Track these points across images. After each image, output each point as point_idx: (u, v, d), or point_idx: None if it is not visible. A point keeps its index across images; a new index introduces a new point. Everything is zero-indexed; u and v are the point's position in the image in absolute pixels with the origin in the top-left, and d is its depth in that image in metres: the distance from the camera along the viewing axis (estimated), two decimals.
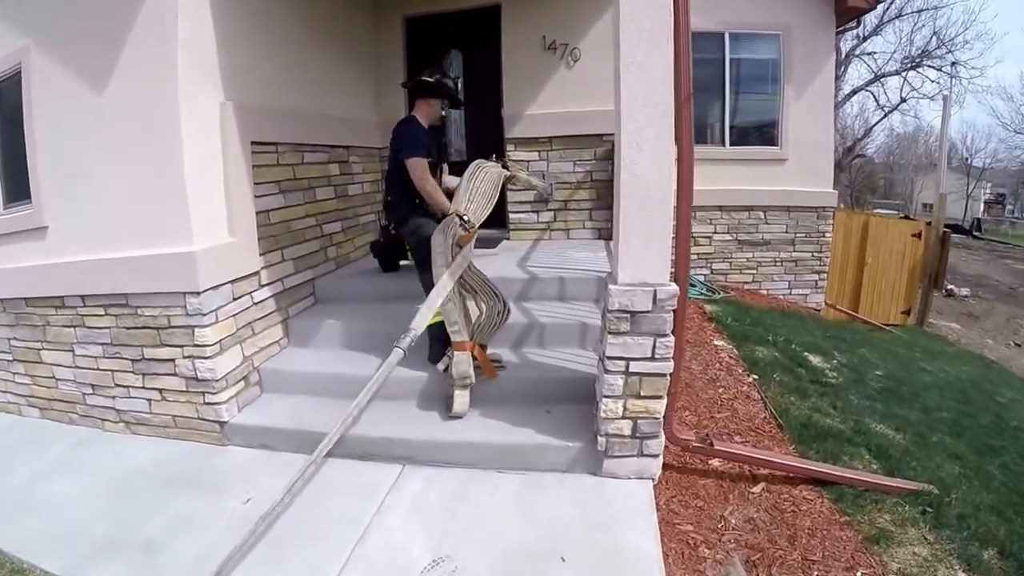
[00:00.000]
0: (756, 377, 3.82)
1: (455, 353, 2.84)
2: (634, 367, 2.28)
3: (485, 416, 2.81)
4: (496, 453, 2.59)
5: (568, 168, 5.05)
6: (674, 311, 2.22)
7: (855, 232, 7.84)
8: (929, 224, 8.36)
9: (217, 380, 2.93)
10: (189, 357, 2.91)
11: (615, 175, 2.35)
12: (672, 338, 2.23)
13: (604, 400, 2.32)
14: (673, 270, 2.30)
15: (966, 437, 3.57)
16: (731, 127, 7.12)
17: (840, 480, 2.60)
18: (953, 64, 17.43)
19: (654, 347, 2.24)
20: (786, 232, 6.78)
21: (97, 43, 2.73)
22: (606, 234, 5.06)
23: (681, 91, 2.14)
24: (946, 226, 8.93)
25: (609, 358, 2.28)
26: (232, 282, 2.99)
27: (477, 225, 3.07)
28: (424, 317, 2.78)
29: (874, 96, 20.57)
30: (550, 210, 5.14)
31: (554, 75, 4.94)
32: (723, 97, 7.24)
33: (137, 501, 2.60)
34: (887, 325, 7.69)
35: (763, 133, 6.90)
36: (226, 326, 2.97)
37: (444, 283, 2.79)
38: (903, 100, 19.95)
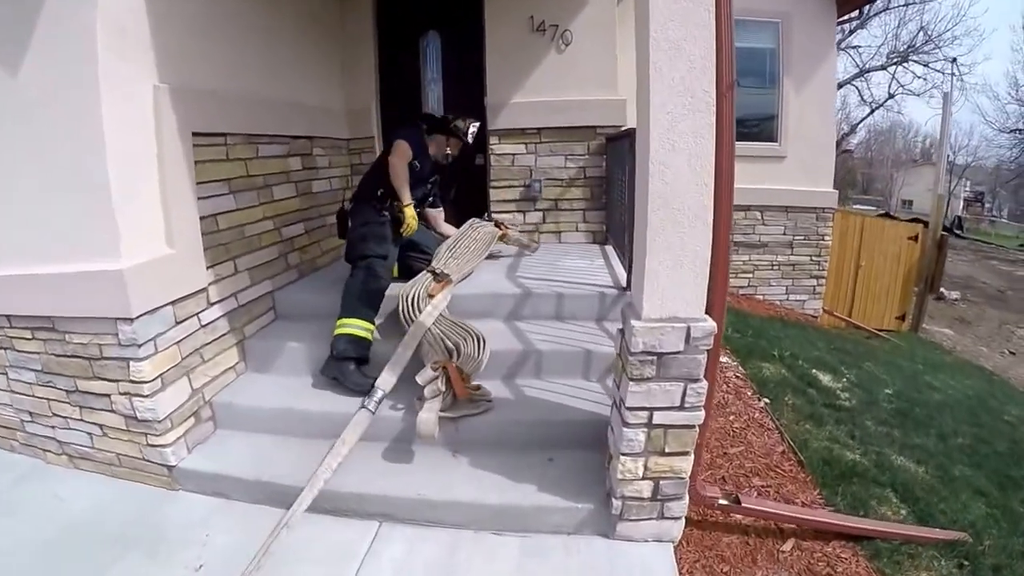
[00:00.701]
0: (767, 401, 3.63)
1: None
2: (659, 418, 2.00)
3: (477, 466, 2.50)
4: (491, 514, 2.29)
5: (559, 163, 4.74)
6: (708, 351, 1.94)
7: (852, 234, 7.74)
8: (926, 226, 8.32)
9: (159, 421, 2.56)
10: (126, 394, 2.54)
11: (637, 183, 2.06)
12: (705, 383, 1.95)
13: (621, 459, 2.03)
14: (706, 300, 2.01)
15: (986, 468, 3.50)
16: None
17: (875, 534, 2.42)
18: (953, 61, 17.64)
19: (684, 394, 1.97)
20: (784, 234, 6.67)
21: (6, 13, 2.31)
22: (601, 237, 4.80)
23: (723, 78, 1.83)
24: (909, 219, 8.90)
25: (630, 408, 1.99)
26: (174, 303, 2.62)
27: (454, 278, 3.19)
28: (391, 376, 2.69)
29: (858, 91, 20.77)
30: (538, 210, 4.84)
31: (543, 60, 4.61)
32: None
33: (73, 567, 2.24)
34: (882, 331, 7.65)
35: (761, 128, 6.76)
36: (168, 356, 2.60)
37: (407, 342, 2.77)
38: (891, 96, 20.20)
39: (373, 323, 3.05)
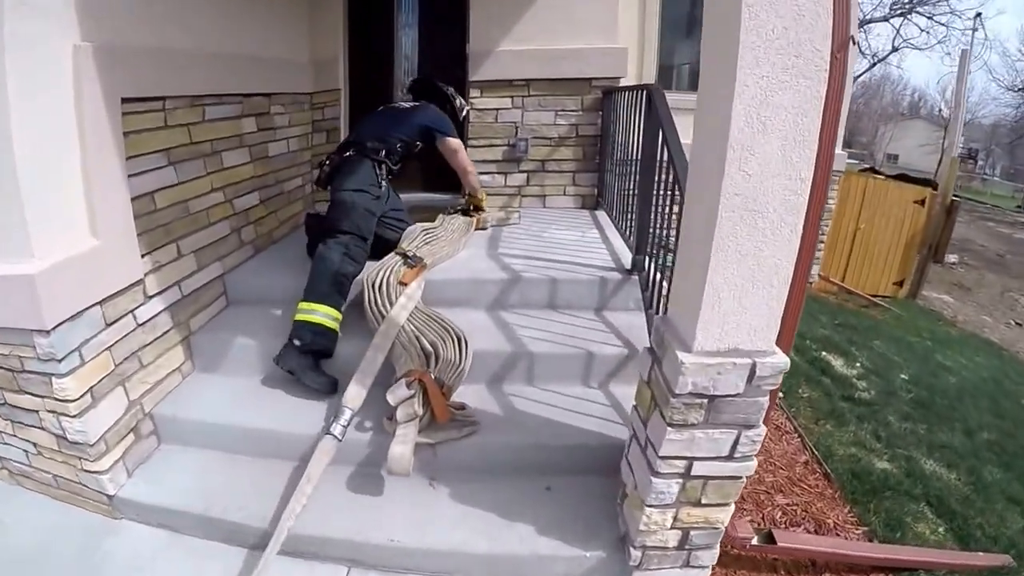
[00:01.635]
0: (781, 394, 3.45)
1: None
2: (699, 469, 1.70)
3: (460, 498, 2.20)
4: (480, 563, 2.00)
5: (548, 119, 4.39)
6: (772, 390, 1.66)
7: (853, 196, 7.55)
8: (935, 188, 8.13)
9: (92, 444, 2.24)
10: (53, 412, 2.21)
11: (693, 170, 1.71)
12: (763, 429, 1.66)
13: (647, 510, 1.75)
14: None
15: (1016, 469, 3.45)
16: None
17: (917, 565, 2.26)
18: (978, 15, 17.21)
19: (735, 443, 1.67)
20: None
21: None
22: (591, 202, 4.50)
23: (837, 32, 1.44)
24: (914, 179, 8.68)
25: (663, 458, 1.68)
26: (102, 302, 2.26)
27: (428, 262, 3.02)
28: (361, 389, 2.39)
29: (856, 43, 20.29)
30: (523, 171, 4.51)
31: (534, 1, 4.19)
32: None
33: None
34: (877, 296, 7.56)
35: None
36: (98, 365, 2.26)
37: (378, 344, 2.47)
38: (895, 49, 19.78)
39: (341, 311, 2.74)
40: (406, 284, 2.77)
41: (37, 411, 2.25)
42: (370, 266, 2.90)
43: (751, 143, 1.43)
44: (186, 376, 2.81)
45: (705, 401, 1.62)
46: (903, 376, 4.48)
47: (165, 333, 2.66)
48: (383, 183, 3.11)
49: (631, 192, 3.21)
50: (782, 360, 1.60)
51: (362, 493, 2.25)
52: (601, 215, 4.20)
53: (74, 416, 2.18)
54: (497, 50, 4.22)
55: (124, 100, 2.28)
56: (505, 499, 2.17)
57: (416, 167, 3.59)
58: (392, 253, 2.98)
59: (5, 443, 2.43)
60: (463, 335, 2.50)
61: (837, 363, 4.25)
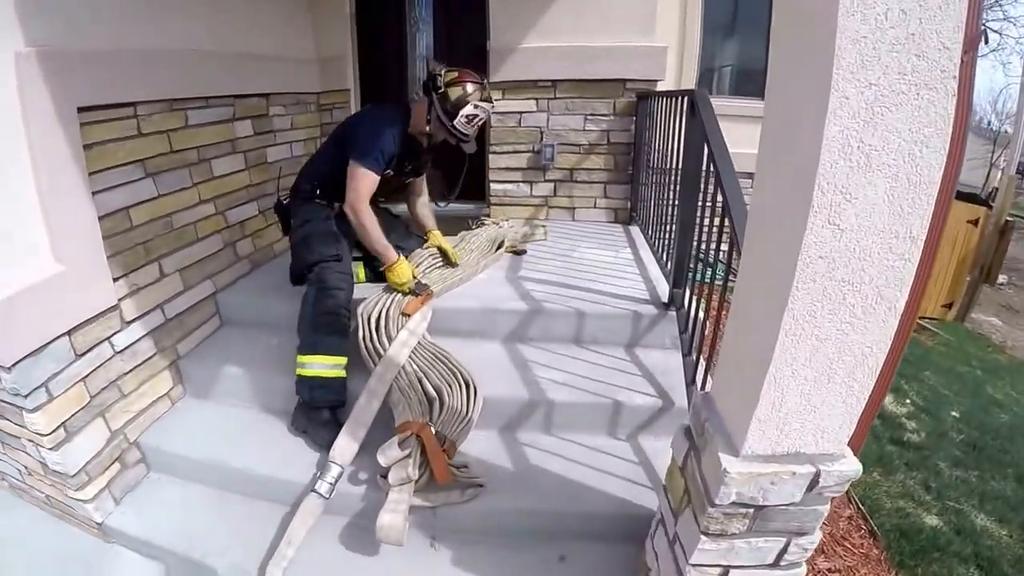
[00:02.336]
0: None
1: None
2: None
3: (463, 565, 1.95)
4: None
5: (576, 124, 4.09)
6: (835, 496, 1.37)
7: None
8: (988, 206, 7.69)
9: (72, 476, 2.09)
10: (31, 441, 2.07)
11: (753, 220, 1.40)
12: (818, 536, 1.39)
13: None
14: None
15: None
16: None
17: None
18: None
19: (783, 551, 1.40)
20: None
21: None
22: (624, 216, 4.21)
23: (970, 26, 1.14)
24: (962, 195, 8.19)
25: (695, 565, 1.42)
26: (70, 332, 2.06)
27: (437, 289, 2.76)
28: (352, 442, 2.17)
29: (986, 38, 19.58)
30: (549, 180, 4.24)
31: None
32: (767, 37, 6.38)
33: None
34: (924, 319, 7.22)
35: None
36: (71, 399, 2.08)
37: (373, 389, 2.24)
38: None
39: (342, 353, 2.41)
40: (409, 315, 2.52)
41: (20, 437, 2.13)
42: (368, 293, 2.66)
43: (848, 184, 1.07)
44: (176, 402, 2.64)
45: (751, 511, 1.34)
46: (954, 414, 4.24)
47: (148, 359, 2.48)
48: (335, 207, 2.74)
49: (668, 211, 2.93)
50: (853, 467, 1.30)
51: (355, 550, 2.04)
52: (635, 231, 3.91)
53: (50, 448, 2.04)
54: (520, 47, 3.94)
55: (82, 109, 2.06)
56: (514, 568, 1.94)
57: (435, 174, 3.31)
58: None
59: (1, 459, 2.35)
60: (472, 380, 2.25)
61: (886, 400, 3.96)
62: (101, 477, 2.22)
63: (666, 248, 2.95)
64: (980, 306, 8.77)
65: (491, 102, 2.63)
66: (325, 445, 2.25)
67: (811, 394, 1.26)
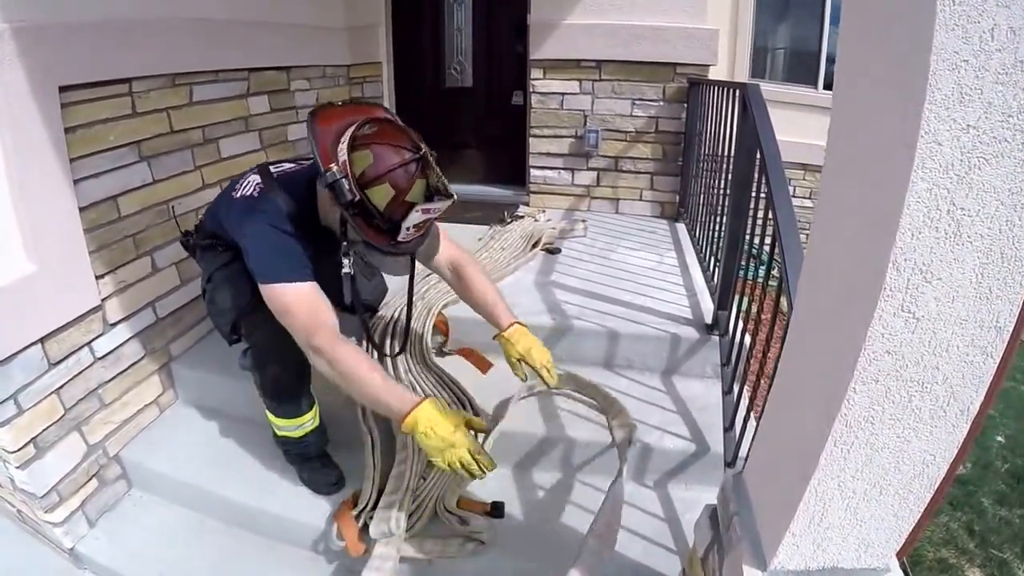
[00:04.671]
0: None
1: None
2: None
3: None
4: None
5: (623, 110, 3.78)
6: None
7: None
8: None
9: (41, 496, 1.93)
10: None
11: (805, 294, 1.11)
12: None
13: None
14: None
15: None
16: (828, 63, 6.09)
17: None
18: None
19: None
20: None
21: None
22: (671, 211, 3.90)
23: None
24: None
25: None
26: (43, 340, 1.88)
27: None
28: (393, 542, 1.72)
29: None
30: (592, 168, 3.94)
31: None
32: (821, 20, 6.09)
33: None
34: None
35: None
36: (41, 413, 1.91)
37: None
38: None
39: (306, 411, 1.96)
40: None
41: None
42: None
43: (931, 260, 0.81)
44: (165, 409, 2.47)
45: None
46: (999, 439, 3.97)
47: (135, 364, 2.30)
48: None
49: (716, 217, 2.62)
50: None
51: None
52: (682, 231, 3.60)
53: (17, 467, 1.87)
54: (563, 23, 3.64)
55: (65, 88, 1.85)
56: None
57: (472, 155, 3.05)
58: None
59: None
60: (483, 411, 2.01)
61: None
62: (75, 497, 2.05)
63: (713, 255, 2.64)
64: None
65: (446, 192, 1.58)
66: (314, 490, 2.03)
67: (858, 508, 1.01)
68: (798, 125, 5.25)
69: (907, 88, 0.76)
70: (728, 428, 1.96)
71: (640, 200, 3.96)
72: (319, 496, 2.02)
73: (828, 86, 6.09)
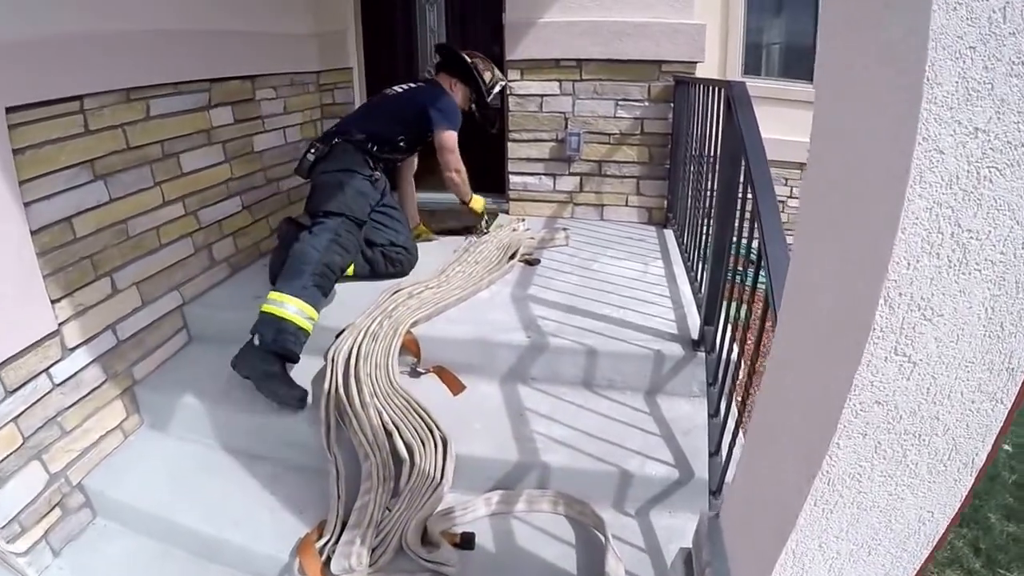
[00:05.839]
0: None
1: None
2: None
3: None
4: None
5: (606, 111, 3.73)
6: None
7: None
8: None
9: (2, 526, 1.90)
10: None
11: (785, 330, 1.04)
12: None
13: None
14: None
15: None
16: None
17: None
18: None
19: None
20: None
21: None
22: (658, 217, 3.85)
23: None
24: None
25: None
26: None
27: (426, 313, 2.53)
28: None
29: None
30: (574, 174, 3.89)
31: None
32: (815, 13, 6.02)
33: None
34: None
35: None
36: (1, 442, 1.89)
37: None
38: None
39: (319, 311, 2.41)
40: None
41: None
42: (339, 335, 2.43)
43: (931, 294, 0.71)
44: (129, 434, 2.43)
45: None
46: (1006, 447, 3.84)
47: (96, 389, 2.26)
48: (377, 172, 2.89)
49: (704, 224, 2.57)
50: None
51: None
52: (670, 237, 3.55)
53: None
54: (540, 21, 3.57)
55: (12, 109, 1.81)
56: None
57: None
58: (376, 309, 2.52)
59: None
60: (446, 435, 1.97)
61: None
62: (37, 527, 2.02)
63: (701, 262, 2.60)
64: None
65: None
66: (278, 399, 2.20)
67: (843, 570, 0.94)
68: (794, 122, 5.17)
69: (900, 84, 0.66)
70: (714, 453, 1.91)
71: (626, 206, 3.91)
72: (283, 526, 1.96)
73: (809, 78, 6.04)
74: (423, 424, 2.03)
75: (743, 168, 1.81)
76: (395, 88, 3.18)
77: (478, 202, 3.43)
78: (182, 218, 2.63)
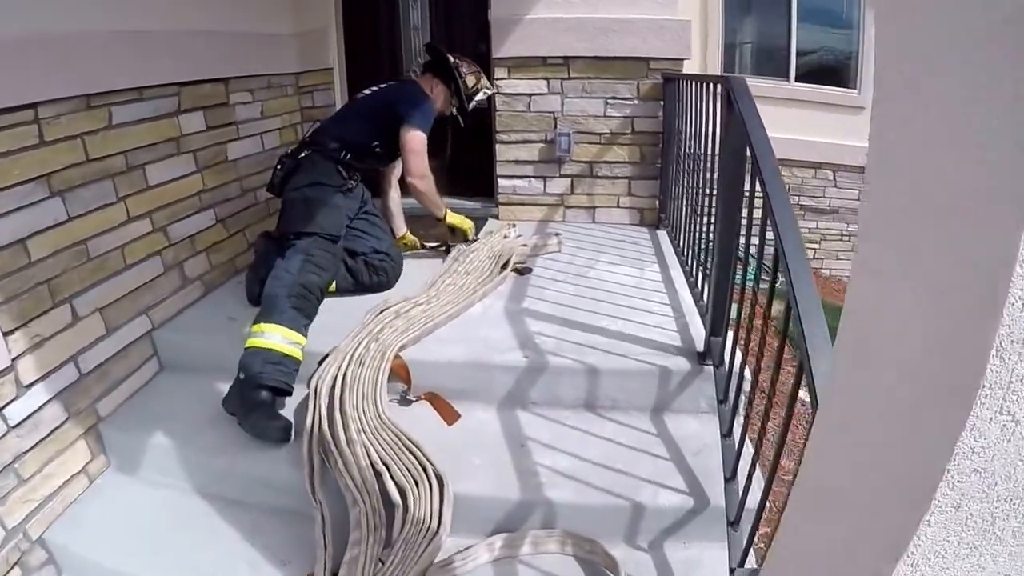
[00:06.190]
0: None
1: None
2: None
3: None
4: None
5: (596, 110, 3.62)
6: None
7: None
8: None
9: None
10: None
11: (841, 390, 1.05)
12: None
13: None
14: None
15: None
16: (798, 56, 6.44)
17: None
18: None
19: None
20: (858, 200, 6.07)
21: None
22: (651, 218, 3.75)
23: None
24: None
25: None
26: None
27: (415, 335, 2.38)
28: None
29: None
30: (565, 176, 3.77)
31: None
32: (788, 14, 6.39)
33: None
34: None
35: (836, 70, 6.46)
36: None
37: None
38: None
39: (305, 335, 2.27)
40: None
41: None
42: (323, 362, 2.27)
43: None
44: (95, 478, 2.23)
45: None
46: None
47: (56, 429, 2.08)
48: (352, 181, 2.75)
49: (704, 227, 2.44)
50: None
51: None
52: (664, 239, 3.45)
53: None
54: (527, 17, 3.46)
55: None
56: None
57: (433, 166, 2.90)
58: (360, 334, 2.37)
59: None
60: (442, 473, 1.82)
61: None
62: None
63: (700, 265, 2.48)
64: None
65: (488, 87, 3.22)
66: (252, 432, 2.08)
67: None
68: (772, 119, 5.11)
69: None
70: (730, 478, 1.80)
71: (618, 207, 3.80)
72: None
73: (800, 78, 6.42)
74: (415, 462, 1.87)
75: (749, 162, 1.74)
76: (371, 88, 3.04)
77: (456, 219, 3.16)
78: (150, 235, 2.46)
